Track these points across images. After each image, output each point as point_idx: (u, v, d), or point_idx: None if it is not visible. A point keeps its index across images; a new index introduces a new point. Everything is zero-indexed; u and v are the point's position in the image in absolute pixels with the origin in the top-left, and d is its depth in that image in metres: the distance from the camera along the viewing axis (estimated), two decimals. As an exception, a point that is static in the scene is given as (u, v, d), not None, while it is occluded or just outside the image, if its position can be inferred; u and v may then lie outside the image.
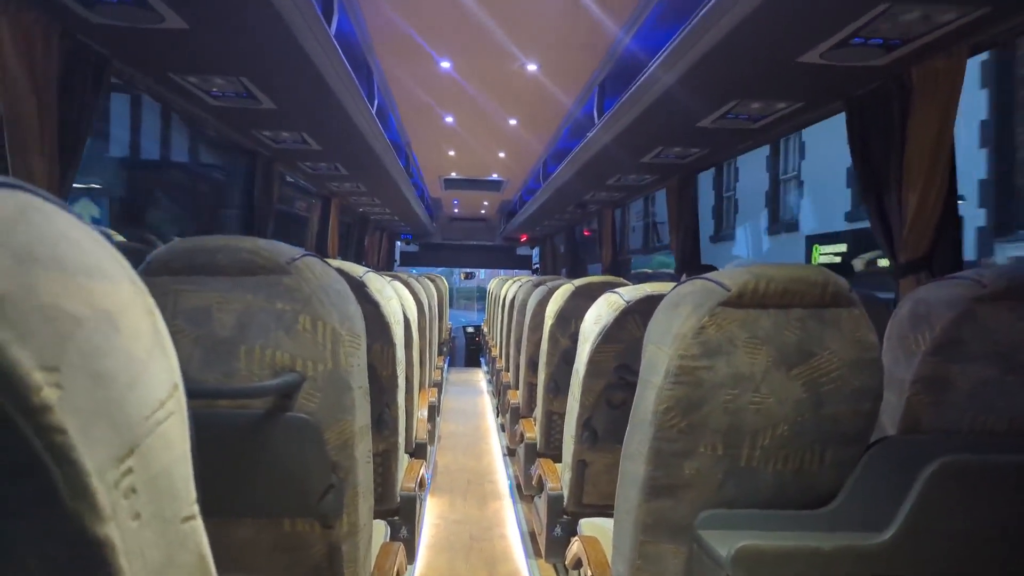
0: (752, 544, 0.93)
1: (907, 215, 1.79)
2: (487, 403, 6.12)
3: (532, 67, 3.20)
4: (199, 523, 0.46)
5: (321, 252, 4.90)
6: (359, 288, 1.72)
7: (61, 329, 0.33)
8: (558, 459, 2.21)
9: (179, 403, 0.43)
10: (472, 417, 5.51)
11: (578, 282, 2.53)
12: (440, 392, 4.79)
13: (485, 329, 8.07)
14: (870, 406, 1.07)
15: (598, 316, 1.85)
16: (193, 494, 0.45)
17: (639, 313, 1.76)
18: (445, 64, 3.21)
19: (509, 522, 3.16)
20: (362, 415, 1.14)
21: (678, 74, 1.94)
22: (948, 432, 1.14)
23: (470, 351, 9.60)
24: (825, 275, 1.07)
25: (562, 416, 2.20)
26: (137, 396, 0.38)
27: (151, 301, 0.43)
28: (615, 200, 4.87)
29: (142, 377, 0.39)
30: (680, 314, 1.06)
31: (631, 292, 1.81)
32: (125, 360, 0.37)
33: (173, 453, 0.42)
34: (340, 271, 1.68)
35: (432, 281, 5.50)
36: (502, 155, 5.50)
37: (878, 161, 1.90)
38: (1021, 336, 1.11)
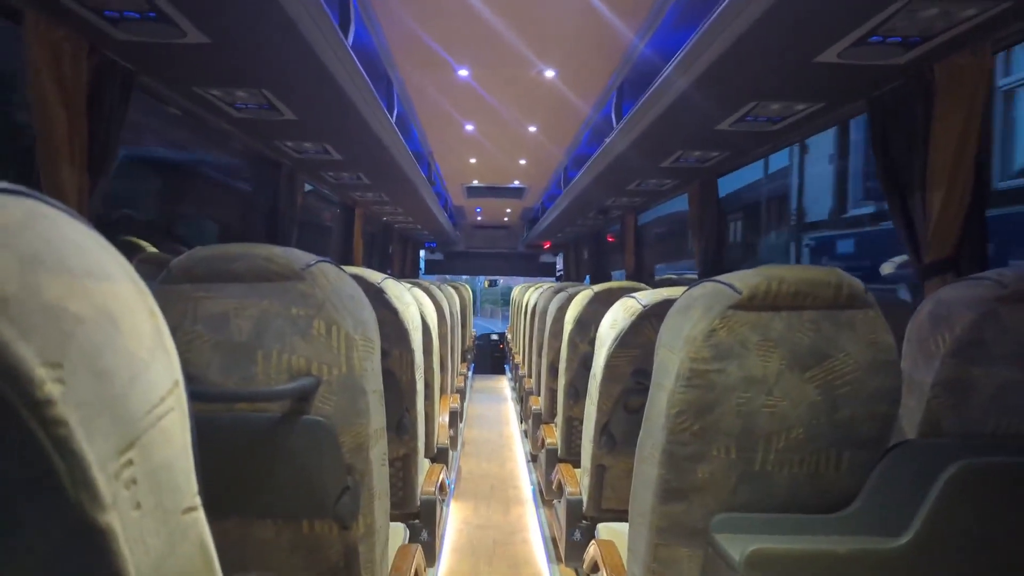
0: (765, 547, 0.92)
1: (932, 215, 1.75)
2: (511, 410, 6.12)
3: (550, 73, 3.21)
4: (201, 515, 0.47)
5: (346, 261, 4.96)
6: (377, 295, 1.74)
7: (64, 327, 0.34)
8: (578, 464, 2.21)
9: (179, 399, 0.44)
10: (496, 424, 5.52)
11: (597, 288, 2.53)
12: (463, 398, 4.81)
13: (509, 336, 8.08)
14: (887, 409, 1.05)
15: (614, 321, 1.85)
16: (195, 487, 0.47)
17: (655, 317, 1.75)
18: (463, 72, 3.24)
19: (532, 527, 3.16)
20: (377, 418, 1.16)
21: (693, 77, 1.93)
22: (969, 435, 1.11)
23: (494, 358, 9.61)
24: (839, 276, 1.05)
25: (582, 421, 2.20)
26: (138, 392, 0.39)
27: (153, 302, 0.44)
28: (636, 205, 4.86)
29: (143, 374, 0.40)
30: (691, 317, 1.06)
31: (648, 296, 1.81)
32: (126, 357, 0.39)
33: (173, 447, 0.43)
34: (359, 278, 1.71)
35: (455, 289, 5.53)
36: (523, 162, 5.51)
37: (901, 161, 1.87)
38: None
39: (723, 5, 1.58)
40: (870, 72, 1.83)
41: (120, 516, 0.37)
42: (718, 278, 1.09)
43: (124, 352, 0.39)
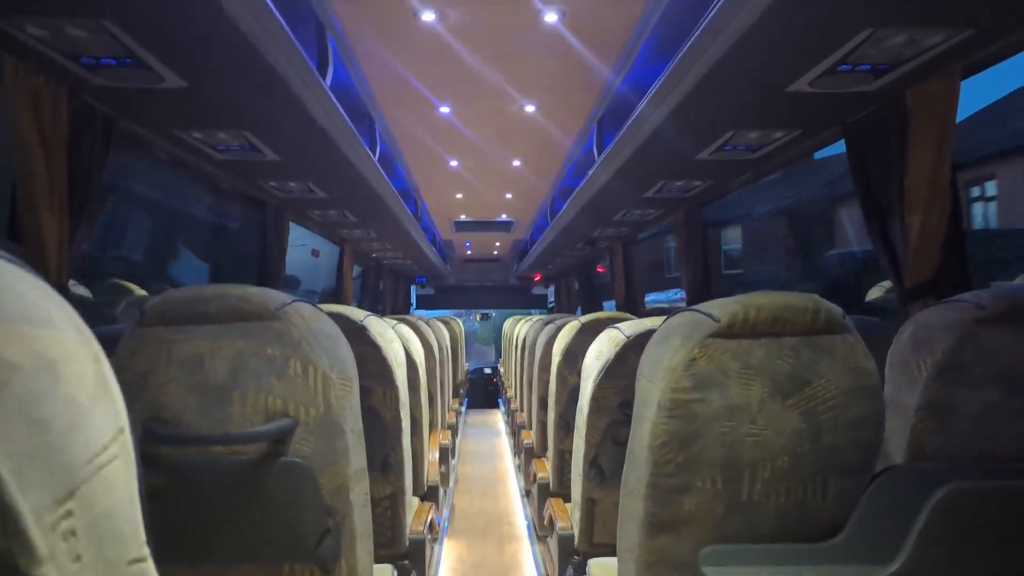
0: None
1: (911, 239, 1.77)
2: (505, 444, 6.05)
3: (530, 108, 3.25)
4: (149, 565, 0.46)
5: (337, 298, 4.95)
6: (360, 332, 1.73)
7: None
8: (570, 498, 2.18)
9: (124, 447, 0.43)
10: (489, 459, 5.45)
11: (584, 319, 2.53)
12: (455, 434, 4.76)
13: (501, 370, 8.04)
14: (871, 435, 1.04)
15: (599, 352, 1.84)
16: (142, 537, 0.45)
17: (640, 348, 1.74)
18: (445, 109, 3.28)
19: (527, 563, 3.10)
20: (357, 458, 1.14)
21: (669, 109, 1.96)
22: (955, 459, 1.10)
23: (488, 392, 9.55)
24: (815, 302, 1.05)
25: (572, 454, 2.17)
26: (78, 441, 0.38)
27: (98, 348, 0.43)
28: (623, 235, 4.88)
29: (84, 422, 0.39)
30: (670, 347, 1.05)
31: (631, 327, 1.80)
32: (66, 406, 0.38)
33: (117, 496, 0.42)
34: (341, 316, 1.70)
35: (446, 324, 5.50)
36: (509, 196, 5.55)
37: (879, 185, 1.89)
38: None
39: (694, 38, 1.61)
40: (843, 100, 1.87)
41: (58, 569, 0.36)
42: (696, 307, 1.08)
43: (64, 400, 0.38)
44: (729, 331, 1.03)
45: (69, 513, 0.37)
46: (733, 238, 12.50)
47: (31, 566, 0.34)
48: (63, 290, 1.70)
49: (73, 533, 0.37)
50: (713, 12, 1.48)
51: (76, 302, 0.43)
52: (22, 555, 0.34)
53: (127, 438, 0.44)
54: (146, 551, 0.45)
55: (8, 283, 0.37)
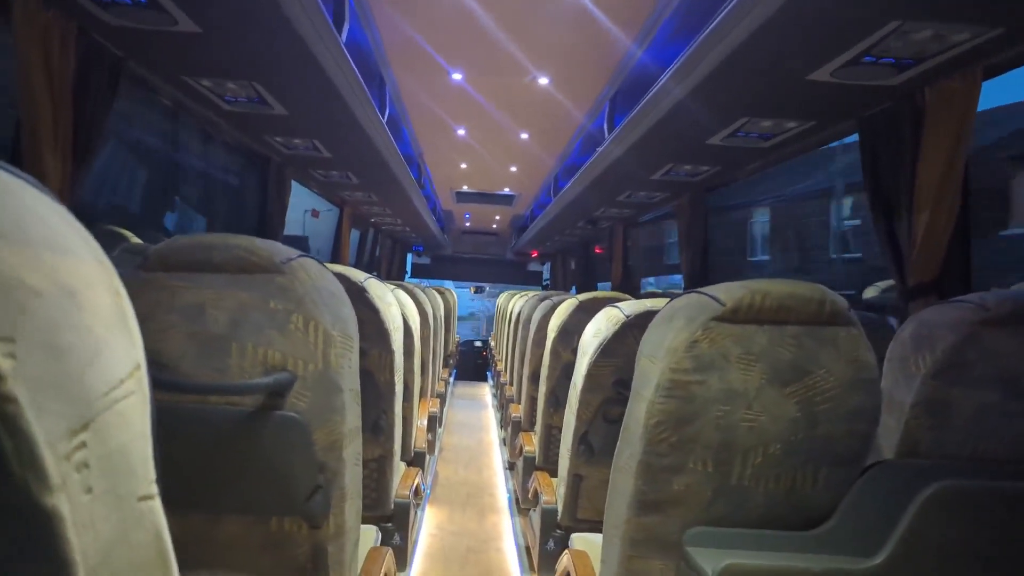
0: (738, 563, 0.91)
1: (917, 237, 1.76)
2: (491, 416, 6.09)
3: (543, 80, 3.21)
4: (157, 503, 0.45)
5: (333, 261, 4.93)
6: (360, 293, 1.72)
7: (19, 300, 0.33)
8: (556, 473, 2.20)
9: (140, 383, 0.42)
10: (475, 430, 5.48)
11: (582, 297, 2.53)
12: (443, 403, 4.78)
13: (492, 343, 8.07)
14: (866, 428, 1.05)
15: (597, 330, 1.84)
16: (152, 475, 0.45)
17: (638, 328, 1.74)
18: (457, 76, 3.23)
19: (506, 535, 3.13)
20: (352, 417, 1.14)
21: (687, 89, 1.94)
22: (947, 457, 1.11)
23: (477, 365, 9.60)
24: (822, 292, 1.05)
25: (561, 430, 2.18)
26: (95, 372, 0.38)
27: (118, 281, 0.42)
28: (625, 216, 4.87)
29: (102, 354, 0.38)
30: (673, 328, 1.05)
31: (631, 307, 1.80)
32: (85, 335, 0.37)
33: (131, 431, 0.41)
34: (342, 276, 1.69)
35: (440, 293, 5.50)
36: (514, 169, 5.51)
37: (889, 182, 1.88)
38: None
39: (718, 19, 1.58)
40: (862, 93, 1.85)
41: (69, 499, 0.35)
42: (702, 290, 1.08)
43: (83, 330, 0.37)
44: (733, 316, 1.03)
45: (83, 444, 0.36)
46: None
47: (43, 494, 0.33)
48: None
49: (86, 465, 0.37)
50: None
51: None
52: (35, 482, 0.33)
53: (143, 375, 0.43)
54: (155, 489, 0.45)
55: (31, 208, 0.36)
